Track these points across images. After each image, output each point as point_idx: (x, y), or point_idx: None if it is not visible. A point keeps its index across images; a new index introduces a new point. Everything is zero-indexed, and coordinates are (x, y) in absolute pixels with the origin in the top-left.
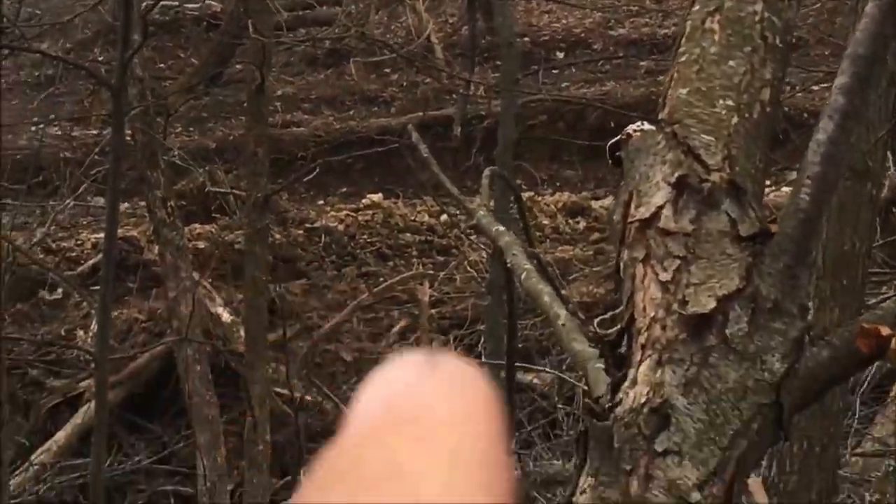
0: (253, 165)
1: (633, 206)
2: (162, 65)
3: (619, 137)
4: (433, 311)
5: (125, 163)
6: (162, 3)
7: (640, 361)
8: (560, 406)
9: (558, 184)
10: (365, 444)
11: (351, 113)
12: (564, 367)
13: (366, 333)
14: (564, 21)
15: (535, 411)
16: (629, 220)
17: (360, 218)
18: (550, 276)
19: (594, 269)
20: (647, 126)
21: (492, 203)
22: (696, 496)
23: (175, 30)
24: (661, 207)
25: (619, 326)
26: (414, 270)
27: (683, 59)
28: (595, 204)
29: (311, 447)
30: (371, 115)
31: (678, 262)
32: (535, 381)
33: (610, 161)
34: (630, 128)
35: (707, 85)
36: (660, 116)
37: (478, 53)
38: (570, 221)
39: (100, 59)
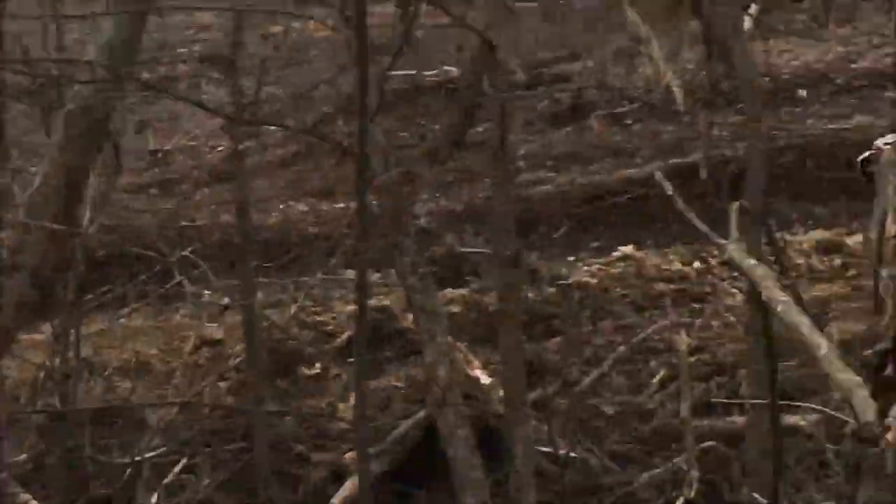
0: (500, 223)
1: (889, 222)
2: (404, 133)
3: (869, 152)
4: (692, 358)
5: (373, 231)
6: (401, 73)
7: None
8: (829, 446)
9: (810, 222)
10: None
11: (595, 167)
12: (832, 407)
13: (626, 386)
14: (804, 58)
15: (803, 454)
16: (886, 237)
17: (611, 270)
18: (805, 306)
19: (853, 305)
20: None
21: (742, 239)
22: None
23: (414, 98)
24: None
25: (882, 346)
26: (669, 319)
27: None
28: (849, 240)
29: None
30: (615, 168)
31: None
32: (802, 423)
33: (863, 176)
34: (880, 142)
35: None
36: None
37: (719, 96)
38: (825, 259)
39: (343, 130)
